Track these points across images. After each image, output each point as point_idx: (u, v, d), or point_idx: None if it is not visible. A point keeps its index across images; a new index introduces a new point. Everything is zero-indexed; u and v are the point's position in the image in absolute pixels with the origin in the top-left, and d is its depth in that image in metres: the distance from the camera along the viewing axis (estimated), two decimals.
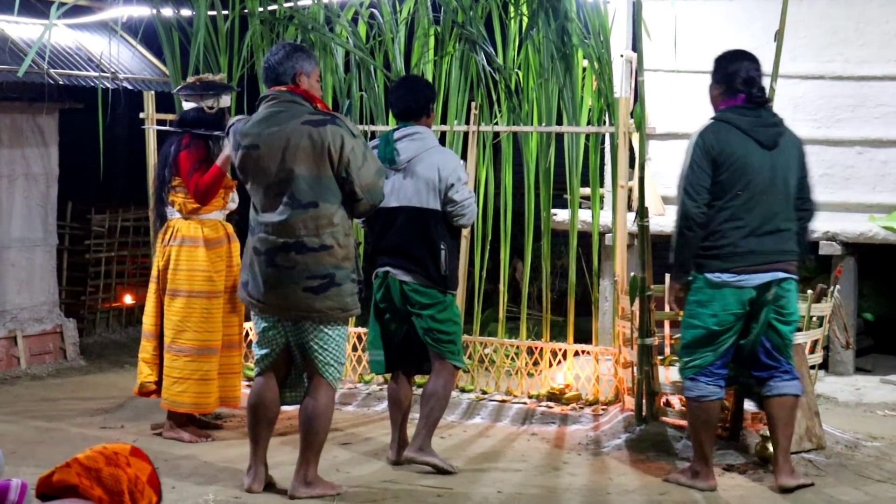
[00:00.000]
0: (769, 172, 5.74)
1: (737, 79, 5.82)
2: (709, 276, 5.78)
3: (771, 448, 5.97)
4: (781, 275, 5.76)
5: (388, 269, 6.11)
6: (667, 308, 6.42)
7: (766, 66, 6.43)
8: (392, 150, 6.09)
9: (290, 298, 5.49)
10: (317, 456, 5.64)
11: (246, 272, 5.65)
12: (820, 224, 8.56)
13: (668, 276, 6.39)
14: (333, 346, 5.58)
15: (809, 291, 6.73)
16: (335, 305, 5.51)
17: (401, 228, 6.07)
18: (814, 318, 6.71)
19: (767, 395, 5.89)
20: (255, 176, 5.53)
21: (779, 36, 6.45)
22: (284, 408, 5.92)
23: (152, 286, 6.92)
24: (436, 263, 6.06)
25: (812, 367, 6.71)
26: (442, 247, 6.06)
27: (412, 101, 6.22)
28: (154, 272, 6.93)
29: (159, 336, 6.86)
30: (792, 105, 8.92)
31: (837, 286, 7.10)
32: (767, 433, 6.03)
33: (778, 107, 6.52)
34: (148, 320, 6.92)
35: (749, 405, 6.47)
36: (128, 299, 10.66)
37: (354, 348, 8.07)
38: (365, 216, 5.90)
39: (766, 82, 6.00)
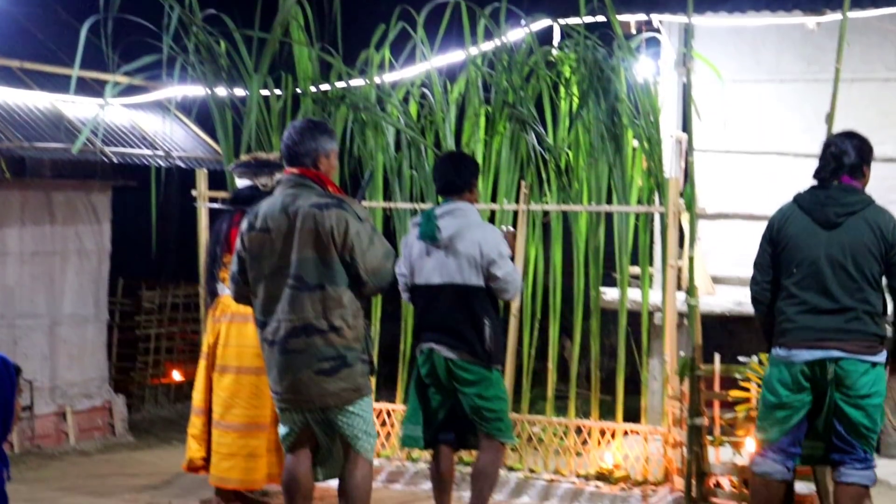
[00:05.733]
0: (824, 251, 5.65)
1: (822, 156, 5.82)
2: (773, 350, 5.77)
3: None
4: (836, 353, 5.56)
5: (432, 345, 6.11)
6: (716, 387, 6.35)
7: (815, 147, 6.43)
8: (434, 227, 6.10)
9: (304, 383, 5.43)
10: None
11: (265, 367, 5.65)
12: None
13: (717, 356, 6.30)
14: (358, 420, 5.53)
15: None
16: (348, 387, 5.45)
17: (444, 305, 6.08)
18: None
19: (837, 480, 5.74)
20: (261, 259, 5.49)
21: (830, 118, 6.44)
22: (323, 484, 5.85)
23: (202, 362, 6.94)
24: (480, 339, 6.03)
25: None
26: (486, 322, 6.04)
27: (455, 176, 6.24)
28: (204, 348, 6.96)
29: (208, 412, 6.86)
30: None
31: None
32: None
33: None
34: (197, 396, 6.93)
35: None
36: (176, 375, 10.71)
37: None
38: (373, 296, 5.86)
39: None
